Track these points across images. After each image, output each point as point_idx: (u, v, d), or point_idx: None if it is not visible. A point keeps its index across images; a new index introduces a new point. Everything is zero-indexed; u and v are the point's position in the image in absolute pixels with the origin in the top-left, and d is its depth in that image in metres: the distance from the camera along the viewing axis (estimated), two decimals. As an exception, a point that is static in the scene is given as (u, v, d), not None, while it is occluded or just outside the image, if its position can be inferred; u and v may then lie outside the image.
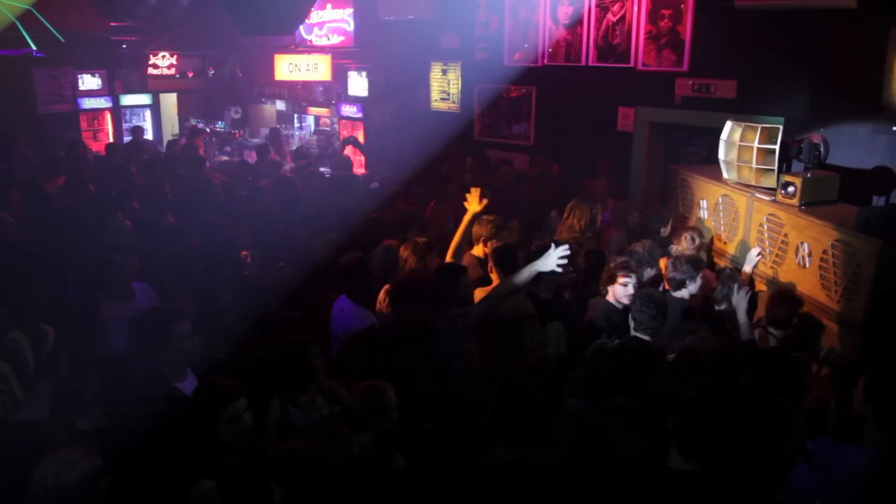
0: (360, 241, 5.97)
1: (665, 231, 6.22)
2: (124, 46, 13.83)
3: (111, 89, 13.94)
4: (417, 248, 5.02)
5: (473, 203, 5.12)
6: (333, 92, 12.46)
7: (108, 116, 13.98)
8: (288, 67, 12.92)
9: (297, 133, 13.74)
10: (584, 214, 5.96)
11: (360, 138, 11.44)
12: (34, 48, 10.49)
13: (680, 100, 8.09)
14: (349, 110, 12.00)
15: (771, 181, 5.55)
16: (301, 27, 12.26)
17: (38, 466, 2.69)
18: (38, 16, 9.80)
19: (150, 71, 14.21)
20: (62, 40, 10.50)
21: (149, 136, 14.20)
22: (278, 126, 13.33)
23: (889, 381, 2.90)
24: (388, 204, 7.33)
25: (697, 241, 5.69)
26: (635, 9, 8.36)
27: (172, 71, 14.46)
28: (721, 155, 5.96)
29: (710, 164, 6.61)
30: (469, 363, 4.32)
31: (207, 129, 13.87)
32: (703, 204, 6.42)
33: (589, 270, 5.46)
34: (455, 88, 10.82)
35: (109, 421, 3.40)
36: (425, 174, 8.83)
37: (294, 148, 12.45)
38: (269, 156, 10.53)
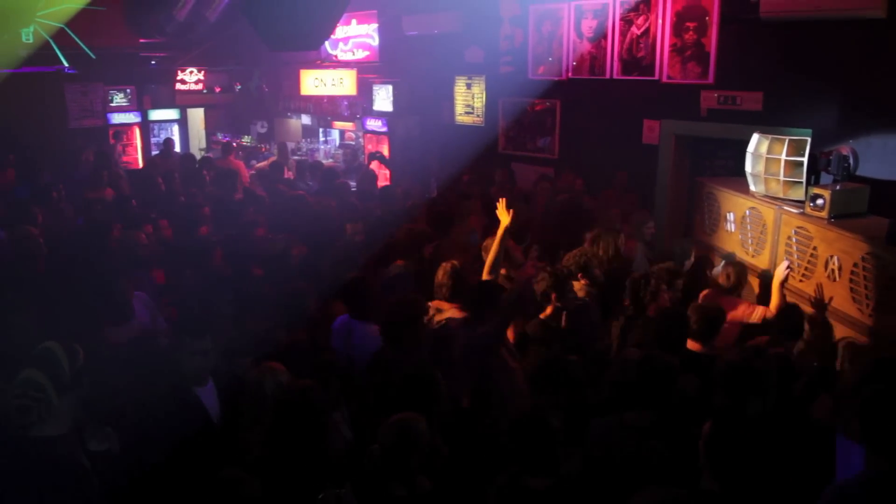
0: (373, 259, 6.02)
1: (688, 264, 6.17)
2: (153, 62, 14.07)
3: (140, 104, 14.17)
4: (448, 272, 5.01)
5: (503, 216, 5.07)
6: (358, 106, 12.56)
7: (137, 131, 14.19)
8: (314, 82, 13.05)
9: (322, 147, 13.85)
10: (608, 245, 5.96)
11: (385, 152, 11.51)
12: (66, 65, 10.72)
13: (706, 112, 8.05)
14: (374, 124, 12.08)
15: (799, 194, 5.49)
16: (326, 42, 12.38)
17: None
18: (71, 34, 10.02)
19: (178, 86, 14.44)
20: (93, 57, 10.71)
21: (176, 150, 14.40)
22: (286, 142, 13.45)
23: (881, 405, 2.88)
24: (414, 217, 7.34)
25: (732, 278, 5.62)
26: (659, 22, 8.35)
27: (200, 86, 14.68)
28: (748, 167, 5.91)
29: (736, 176, 6.57)
30: (505, 380, 4.32)
31: (234, 144, 14.04)
32: (730, 217, 6.37)
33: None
34: (479, 102, 10.85)
35: (121, 440, 3.44)
36: (450, 187, 8.87)
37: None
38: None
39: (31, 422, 3.09)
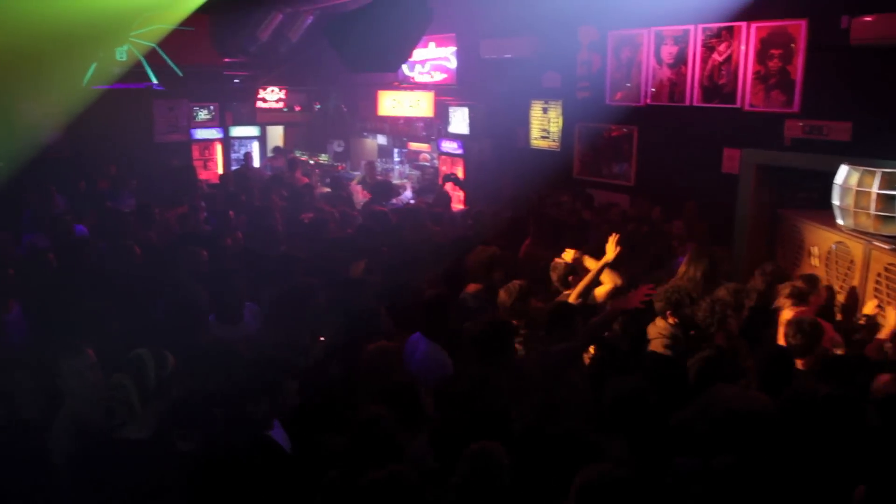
0: (445, 281, 5.99)
1: (757, 283, 5.87)
2: (236, 81, 14.51)
3: (222, 121, 14.62)
4: (514, 291, 5.02)
5: (610, 252, 5.20)
6: (434, 128, 12.66)
7: (219, 147, 14.63)
8: (391, 103, 13.23)
9: (396, 167, 14.00)
10: (702, 264, 5.63)
11: (460, 174, 11.55)
12: (155, 82, 11.17)
13: (789, 142, 7.82)
14: (449, 146, 12.15)
15: (892, 229, 5.28)
16: (404, 64, 12.55)
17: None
18: (161, 53, 10.45)
19: (259, 104, 14.83)
20: (180, 74, 11.14)
21: (255, 165, 14.78)
22: (374, 160, 13.62)
23: None
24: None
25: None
26: (742, 48, 8.18)
27: (280, 104, 15.05)
28: (835, 200, 5.71)
29: (821, 209, 6.34)
30: (569, 396, 4.28)
31: (311, 161, 14.34)
32: (814, 251, 6.15)
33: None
34: (555, 127, 10.81)
35: (203, 445, 3.49)
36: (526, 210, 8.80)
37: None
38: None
39: (117, 424, 3.24)
